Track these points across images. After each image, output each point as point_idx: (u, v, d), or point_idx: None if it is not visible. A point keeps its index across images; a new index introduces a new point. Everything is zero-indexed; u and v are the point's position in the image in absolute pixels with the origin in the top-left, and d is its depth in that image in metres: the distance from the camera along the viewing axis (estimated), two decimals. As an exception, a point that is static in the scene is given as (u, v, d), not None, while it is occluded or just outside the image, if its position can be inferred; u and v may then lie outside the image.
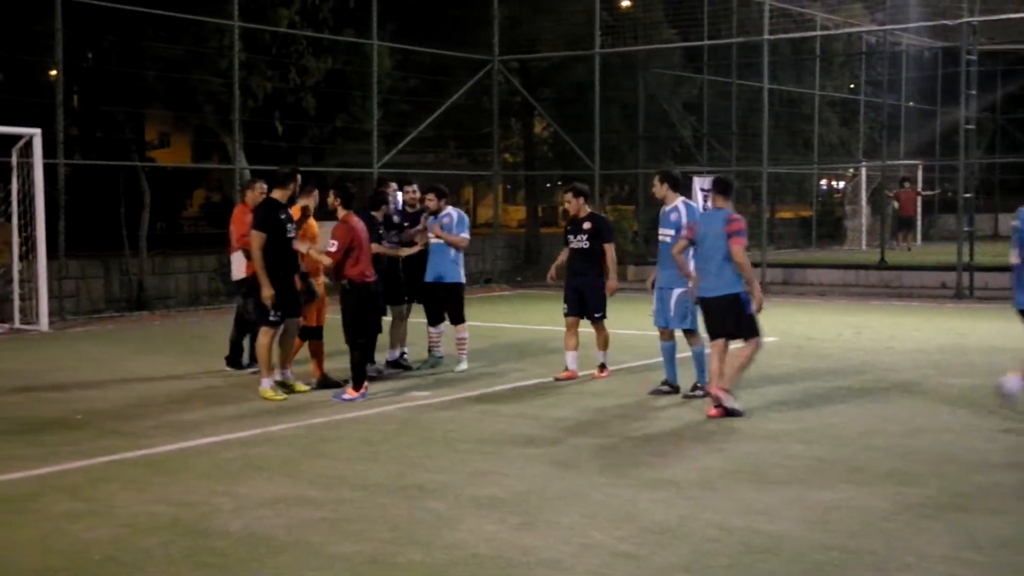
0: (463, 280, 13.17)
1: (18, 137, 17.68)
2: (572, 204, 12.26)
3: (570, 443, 9.28)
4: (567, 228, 12.46)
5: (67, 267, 19.73)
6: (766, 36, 24.82)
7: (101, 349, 15.57)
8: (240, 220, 12.42)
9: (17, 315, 17.81)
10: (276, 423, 10.09)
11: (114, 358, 14.56)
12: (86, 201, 23.10)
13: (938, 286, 23.52)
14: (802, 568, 6.13)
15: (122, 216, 22.87)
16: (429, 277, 12.99)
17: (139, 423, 10.15)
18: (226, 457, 8.78)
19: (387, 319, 12.60)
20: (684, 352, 11.55)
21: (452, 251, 12.94)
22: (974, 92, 23.36)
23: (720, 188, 10.64)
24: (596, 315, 12.31)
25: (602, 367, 12.58)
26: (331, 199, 11.38)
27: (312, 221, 12.19)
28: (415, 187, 13.56)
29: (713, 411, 10.26)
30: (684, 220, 11.14)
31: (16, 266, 17.76)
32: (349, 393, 11.21)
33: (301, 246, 11.48)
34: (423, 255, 12.98)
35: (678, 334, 11.42)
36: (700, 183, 23.94)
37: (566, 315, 12.41)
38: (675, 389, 11.48)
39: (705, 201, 23.73)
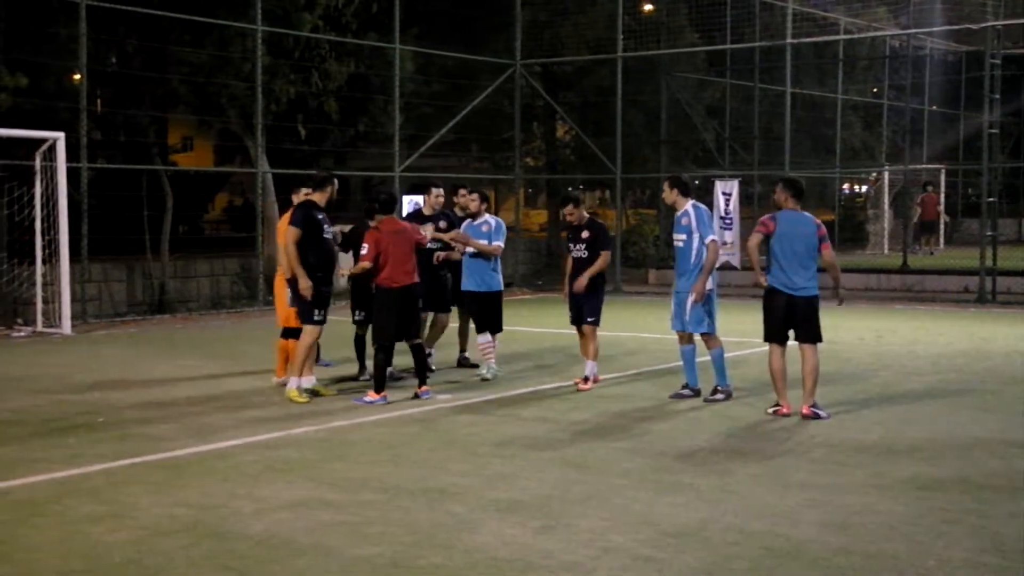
0: (501, 287, 13.16)
1: (42, 141, 17.77)
2: (575, 214, 12.20)
3: (590, 447, 9.27)
4: (568, 237, 12.42)
5: (90, 271, 19.82)
6: (789, 40, 24.79)
7: (123, 352, 15.63)
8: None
9: (40, 318, 17.90)
10: (297, 426, 10.11)
11: (136, 361, 14.62)
12: (109, 205, 23.19)
13: (961, 290, 23.43)
14: (823, 572, 6.10)
15: (145, 219, 22.99)
16: (468, 285, 12.98)
17: (160, 426, 10.19)
18: (247, 460, 8.80)
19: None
20: (703, 356, 11.54)
21: (491, 258, 12.93)
22: (998, 96, 23.30)
23: (795, 190, 10.65)
24: (589, 319, 12.12)
25: (586, 379, 12.18)
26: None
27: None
28: (467, 189, 13.51)
29: (806, 410, 10.42)
30: (694, 223, 11.19)
31: (39, 270, 17.85)
32: (370, 396, 11.26)
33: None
34: (458, 262, 13.01)
35: (697, 337, 11.41)
36: (722, 187, 23.92)
37: (572, 323, 12.40)
38: (696, 393, 11.47)
39: (726, 204, 23.82)
